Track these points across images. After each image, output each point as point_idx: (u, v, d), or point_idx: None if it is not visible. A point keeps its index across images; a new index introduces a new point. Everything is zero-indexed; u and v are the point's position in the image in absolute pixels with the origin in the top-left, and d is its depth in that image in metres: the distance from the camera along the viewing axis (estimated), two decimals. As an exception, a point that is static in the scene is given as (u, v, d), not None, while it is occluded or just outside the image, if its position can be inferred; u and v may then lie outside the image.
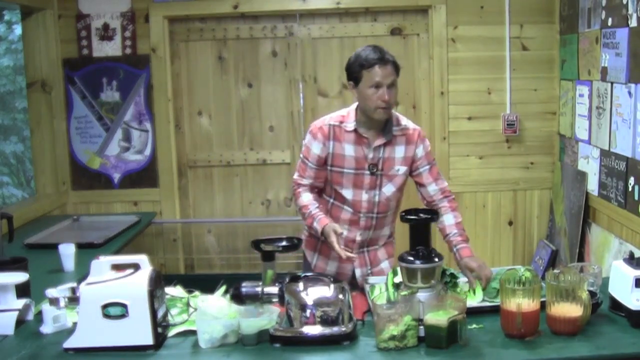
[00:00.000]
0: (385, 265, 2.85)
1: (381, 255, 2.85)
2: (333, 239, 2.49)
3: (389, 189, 2.70)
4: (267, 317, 1.97)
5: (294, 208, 3.84)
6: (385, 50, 2.61)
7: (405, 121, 2.73)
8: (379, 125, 2.64)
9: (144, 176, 4.42)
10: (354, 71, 2.59)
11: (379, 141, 2.65)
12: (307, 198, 2.69)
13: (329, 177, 2.70)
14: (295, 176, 2.77)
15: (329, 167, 2.69)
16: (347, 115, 2.69)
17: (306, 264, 2.90)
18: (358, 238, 2.76)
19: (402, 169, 2.70)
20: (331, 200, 2.76)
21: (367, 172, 2.66)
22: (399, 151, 2.69)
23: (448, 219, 2.60)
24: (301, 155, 2.75)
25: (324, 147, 2.66)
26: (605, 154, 3.54)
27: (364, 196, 2.69)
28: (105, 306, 1.92)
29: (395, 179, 2.70)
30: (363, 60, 2.56)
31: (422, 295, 1.94)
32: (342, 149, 2.65)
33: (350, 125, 2.65)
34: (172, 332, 2.04)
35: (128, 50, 4.32)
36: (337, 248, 2.48)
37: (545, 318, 1.96)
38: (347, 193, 2.69)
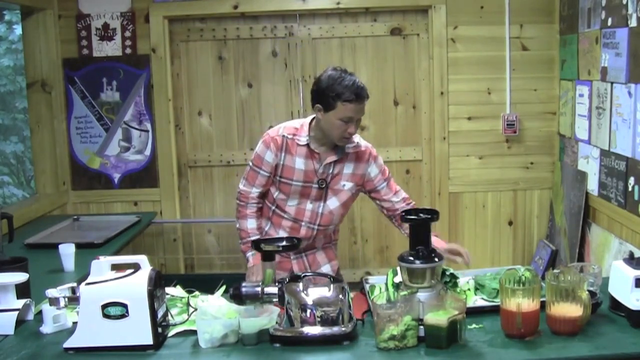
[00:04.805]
0: (326, 269, 2.84)
1: (321, 259, 2.86)
2: (252, 278, 2.64)
3: (333, 203, 2.74)
4: (267, 317, 1.97)
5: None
6: (361, 83, 2.55)
7: (357, 138, 2.73)
8: (332, 142, 2.65)
9: (144, 176, 4.42)
10: (328, 99, 2.53)
11: (330, 158, 2.67)
12: (251, 224, 2.74)
13: (277, 186, 2.73)
14: (242, 186, 2.77)
15: (278, 177, 2.70)
16: (300, 128, 2.69)
17: None
18: None
19: (348, 185, 2.73)
20: (273, 208, 2.79)
21: (316, 185, 2.69)
22: (348, 167, 2.72)
23: None
24: (251, 163, 2.75)
25: (276, 158, 2.68)
26: (605, 154, 3.54)
27: (309, 205, 2.73)
28: (105, 306, 1.91)
29: (340, 193, 2.73)
30: (340, 92, 2.50)
31: (422, 295, 1.94)
32: (292, 162, 2.66)
33: (303, 139, 2.66)
34: (172, 332, 2.04)
35: (128, 50, 4.31)
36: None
37: (545, 318, 1.96)
38: (292, 202, 2.72)
